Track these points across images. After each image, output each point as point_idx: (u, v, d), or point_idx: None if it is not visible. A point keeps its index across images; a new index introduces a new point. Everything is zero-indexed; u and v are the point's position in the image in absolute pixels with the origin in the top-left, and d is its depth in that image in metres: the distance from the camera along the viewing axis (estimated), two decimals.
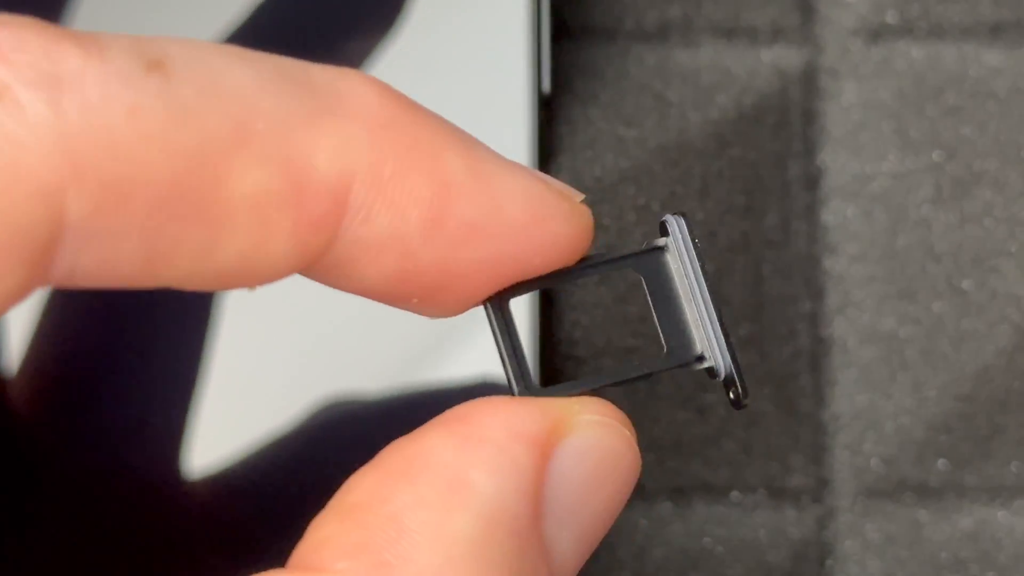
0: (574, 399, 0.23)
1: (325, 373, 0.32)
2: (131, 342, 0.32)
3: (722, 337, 0.23)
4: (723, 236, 0.35)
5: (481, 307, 0.22)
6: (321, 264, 0.21)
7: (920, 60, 0.36)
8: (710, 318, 0.23)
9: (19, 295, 0.19)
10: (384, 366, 0.32)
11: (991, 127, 0.36)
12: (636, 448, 0.23)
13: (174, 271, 0.20)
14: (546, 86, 0.35)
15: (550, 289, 0.23)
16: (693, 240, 0.23)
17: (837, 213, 0.35)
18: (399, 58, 0.34)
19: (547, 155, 0.35)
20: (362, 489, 0.21)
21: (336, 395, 0.32)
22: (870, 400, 0.35)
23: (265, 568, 0.20)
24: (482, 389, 0.32)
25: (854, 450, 0.35)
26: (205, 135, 0.19)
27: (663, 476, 0.35)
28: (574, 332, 0.34)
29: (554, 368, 0.34)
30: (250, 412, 0.32)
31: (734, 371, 0.23)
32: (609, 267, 0.24)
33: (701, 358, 0.24)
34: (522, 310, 0.33)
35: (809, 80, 0.36)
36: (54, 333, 0.31)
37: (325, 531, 0.20)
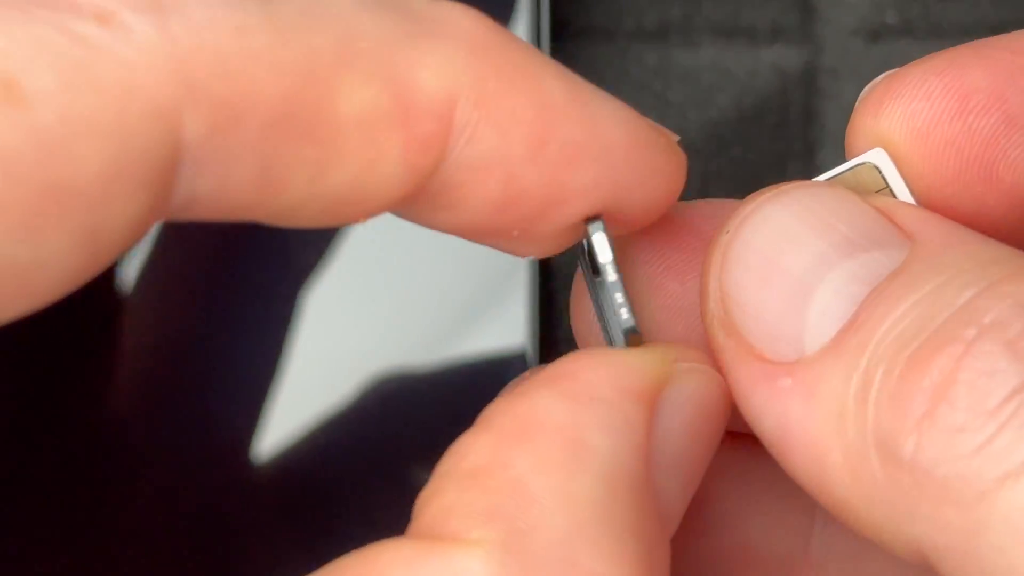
0: (667, 347, 0.22)
1: (379, 350, 0.33)
2: (211, 333, 0.33)
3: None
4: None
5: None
6: (427, 192, 0.21)
7: None
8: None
9: (144, 224, 0.19)
10: (432, 340, 0.33)
11: None
12: (727, 388, 0.22)
13: (288, 197, 0.20)
14: None
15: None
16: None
17: None
18: None
19: None
20: (478, 453, 0.20)
21: (388, 370, 0.33)
22: None
23: (343, 543, 0.20)
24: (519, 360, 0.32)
25: None
26: (310, 53, 0.19)
27: None
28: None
29: None
30: (309, 390, 0.33)
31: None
32: None
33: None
34: (522, 308, 0.33)
35: (809, 80, 0.36)
36: (144, 320, 0.32)
37: (447, 498, 0.20)
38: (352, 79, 0.19)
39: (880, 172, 0.23)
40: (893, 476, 0.19)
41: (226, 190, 0.19)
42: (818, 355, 0.20)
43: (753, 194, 0.22)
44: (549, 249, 0.23)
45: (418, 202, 0.21)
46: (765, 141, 0.35)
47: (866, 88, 0.23)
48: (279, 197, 0.20)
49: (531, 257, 0.23)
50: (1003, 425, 0.18)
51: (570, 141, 0.21)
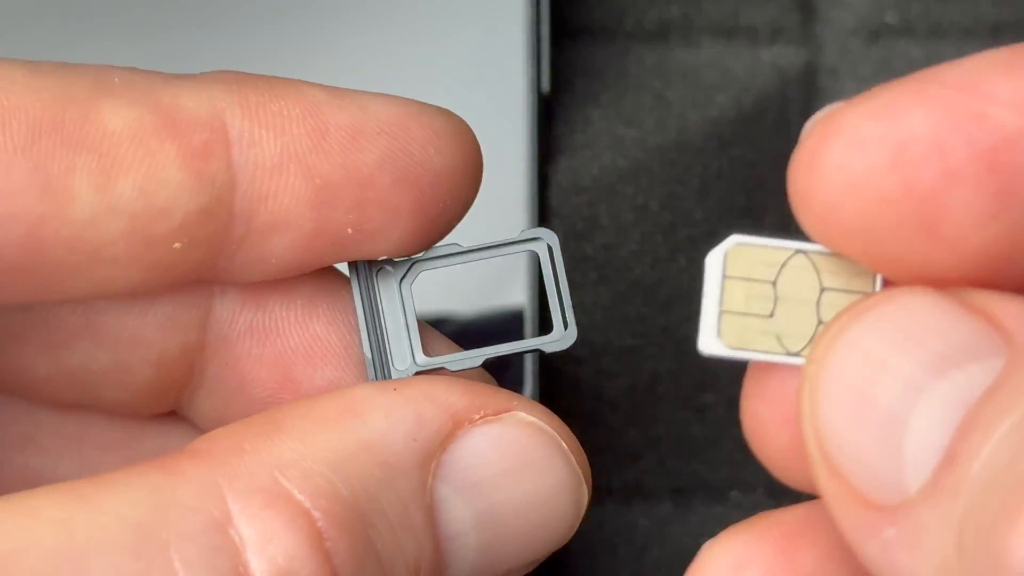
0: (517, 396, 0.23)
1: None
2: None
3: None
4: (723, 236, 0.35)
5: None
6: (243, 215, 0.23)
7: (920, 60, 0.36)
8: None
9: None
10: None
11: None
12: (575, 471, 0.23)
13: (81, 205, 0.22)
14: (546, 86, 0.35)
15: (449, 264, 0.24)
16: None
17: None
18: (399, 58, 0.34)
19: (547, 155, 0.35)
20: (277, 406, 0.23)
21: None
22: None
23: None
24: None
25: None
26: (66, 84, 0.22)
27: (663, 476, 0.35)
28: None
29: (554, 368, 0.34)
30: None
31: None
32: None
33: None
34: (520, 310, 0.33)
35: (809, 80, 0.36)
36: None
37: (222, 429, 0.22)
38: (112, 104, 0.22)
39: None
40: None
41: (11, 194, 0.21)
42: (918, 497, 0.18)
43: (839, 313, 0.20)
44: (404, 243, 0.24)
45: (242, 235, 0.23)
46: (765, 141, 0.35)
47: (807, 125, 0.21)
48: (71, 205, 0.21)
49: (404, 259, 0.24)
50: None
51: (346, 124, 0.23)
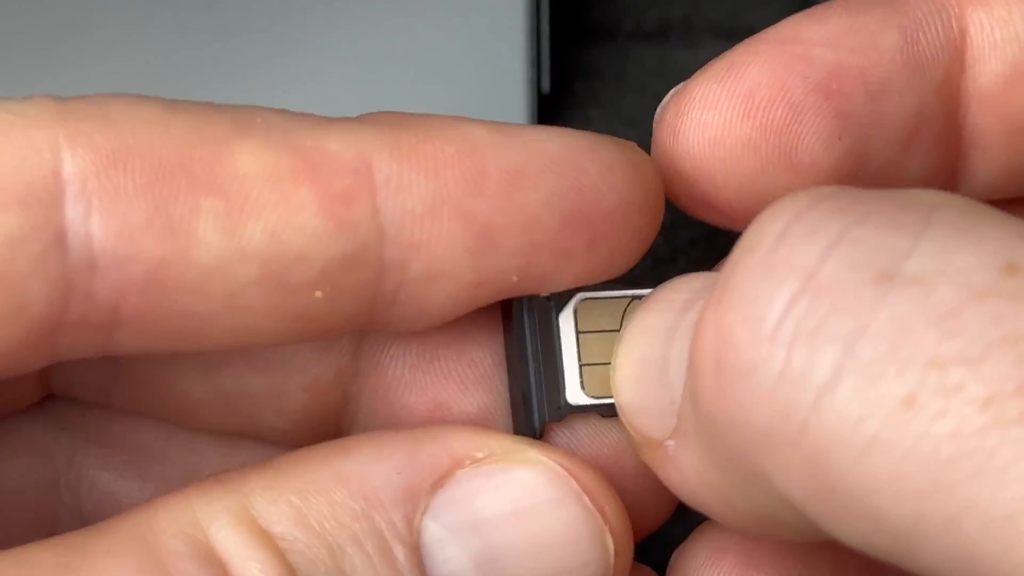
0: (533, 442, 0.23)
1: None
2: None
3: None
4: (722, 237, 0.35)
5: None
6: (395, 263, 0.21)
7: None
8: None
9: (37, 243, 0.20)
10: None
11: None
12: (593, 514, 0.22)
13: (205, 251, 0.20)
14: (546, 86, 0.35)
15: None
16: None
17: None
18: (399, 58, 0.34)
19: None
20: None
21: None
22: None
23: None
24: None
25: None
26: (202, 122, 0.21)
27: None
28: None
29: None
30: None
31: None
32: None
33: None
34: None
35: None
36: None
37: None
38: (249, 144, 0.21)
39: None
40: (733, 443, 0.19)
41: (129, 234, 0.20)
42: (681, 405, 0.21)
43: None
44: (571, 285, 0.23)
45: (396, 285, 0.22)
46: None
47: (659, 109, 0.23)
48: (196, 248, 0.20)
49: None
50: (791, 344, 0.18)
51: (508, 165, 0.21)
